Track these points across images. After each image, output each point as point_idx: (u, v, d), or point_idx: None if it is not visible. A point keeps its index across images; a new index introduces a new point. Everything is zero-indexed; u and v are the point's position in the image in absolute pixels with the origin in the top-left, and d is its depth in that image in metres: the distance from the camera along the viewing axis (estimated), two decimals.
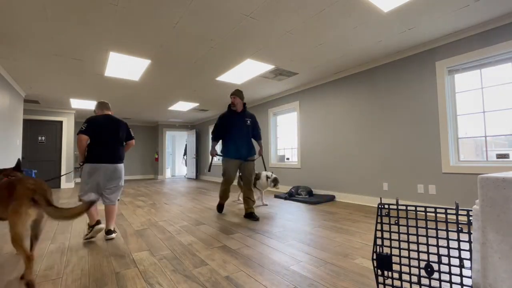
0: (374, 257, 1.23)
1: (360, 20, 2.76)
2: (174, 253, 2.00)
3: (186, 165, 10.70)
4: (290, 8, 2.53)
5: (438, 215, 3.08)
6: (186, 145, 10.57)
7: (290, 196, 4.64)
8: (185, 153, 10.73)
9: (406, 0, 2.41)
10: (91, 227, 2.33)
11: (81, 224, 2.95)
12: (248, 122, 3.29)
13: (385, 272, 1.21)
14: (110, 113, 2.62)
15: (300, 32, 3.01)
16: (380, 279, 1.20)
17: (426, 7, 2.54)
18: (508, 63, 2.79)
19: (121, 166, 2.50)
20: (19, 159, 2.05)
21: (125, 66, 3.97)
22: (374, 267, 1.24)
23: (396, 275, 1.39)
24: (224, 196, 3.38)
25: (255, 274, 1.63)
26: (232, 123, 3.22)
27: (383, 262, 1.20)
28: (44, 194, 1.52)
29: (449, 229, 1.07)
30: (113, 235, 2.39)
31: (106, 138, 2.42)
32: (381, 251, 1.21)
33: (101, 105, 2.62)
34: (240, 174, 3.39)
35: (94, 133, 2.39)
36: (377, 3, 2.45)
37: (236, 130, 3.22)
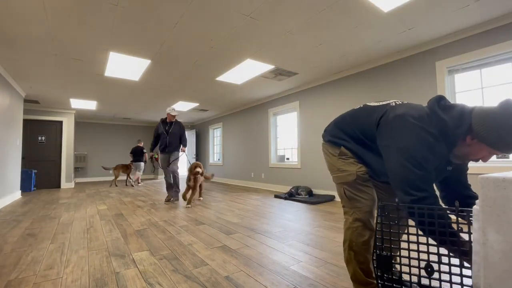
0: (374, 257, 1.23)
1: (360, 20, 2.76)
2: (174, 253, 2.00)
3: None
4: (290, 8, 2.53)
5: None
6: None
7: (290, 196, 4.64)
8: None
9: (406, 0, 2.41)
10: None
11: (81, 224, 2.96)
12: None
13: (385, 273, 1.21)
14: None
15: (300, 32, 3.01)
16: (380, 279, 1.21)
17: (426, 7, 2.54)
18: (508, 63, 2.79)
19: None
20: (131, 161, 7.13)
21: (125, 66, 3.97)
22: (374, 267, 1.24)
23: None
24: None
25: (255, 274, 1.63)
26: None
27: (383, 262, 1.19)
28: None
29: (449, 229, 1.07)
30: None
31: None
32: (380, 251, 1.21)
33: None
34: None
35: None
36: (377, 3, 2.45)
37: None
